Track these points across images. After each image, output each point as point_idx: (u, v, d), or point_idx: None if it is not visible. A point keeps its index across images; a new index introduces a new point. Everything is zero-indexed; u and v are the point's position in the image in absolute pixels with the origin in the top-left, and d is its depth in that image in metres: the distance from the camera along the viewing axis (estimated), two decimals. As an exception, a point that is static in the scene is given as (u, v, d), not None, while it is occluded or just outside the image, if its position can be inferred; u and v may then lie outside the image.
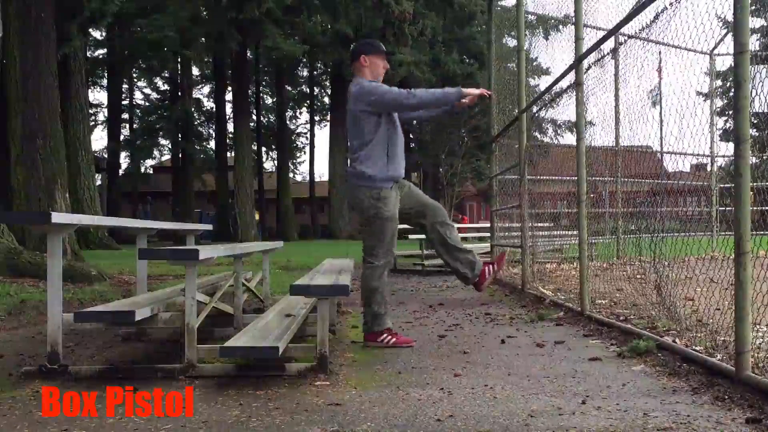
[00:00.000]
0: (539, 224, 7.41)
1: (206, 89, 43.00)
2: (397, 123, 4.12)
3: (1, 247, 7.45)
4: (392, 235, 4.07)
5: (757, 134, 6.28)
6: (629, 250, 5.42)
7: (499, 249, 8.72)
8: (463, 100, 4.14)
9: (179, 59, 29.25)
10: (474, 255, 4.26)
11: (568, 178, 6.96)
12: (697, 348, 3.27)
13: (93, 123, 36.38)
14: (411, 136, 31.88)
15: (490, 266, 4.27)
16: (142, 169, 41.64)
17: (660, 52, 5.51)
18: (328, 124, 36.57)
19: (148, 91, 40.54)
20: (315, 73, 40.29)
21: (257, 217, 31.45)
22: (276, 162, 38.12)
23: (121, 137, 34.93)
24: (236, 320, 4.18)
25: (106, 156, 33.62)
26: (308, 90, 42.24)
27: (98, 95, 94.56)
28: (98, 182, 26.03)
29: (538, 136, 8.38)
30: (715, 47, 9.59)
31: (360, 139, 4.01)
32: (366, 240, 4.08)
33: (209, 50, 23.96)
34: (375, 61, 4.15)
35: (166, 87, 38.59)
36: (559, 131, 13.72)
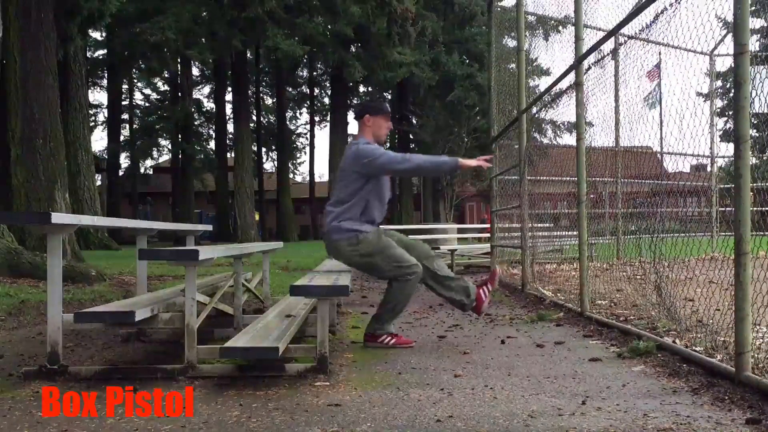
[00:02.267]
0: (539, 225, 7.41)
1: (206, 90, 43.03)
2: (383, 181, 4.13)
3: (1, 247, 7.45)
4: (393, 248, 4.00)
5: (757, 135, 6.28)
6: (629, 250, 5.42)
7: (499, 249, 8.72)
8: (460, 170, 4.14)
9: (179, 60, 29.27)
10: (465, 280, 4.22)
11: (568, 178, 6.96)
12: (697, 349, 3.27)
13: (93, 123, 36.41)
14: (411, 136, 31.92)
15: (485, 288, 4.22)
16: (142, 170, 41.66)
17: (660, 53, 5.51)
18: (328, 124, 36.58)
19: (147, 91, 40.57)
20: (315, 74, 40.30)
21: (257, 217, 31.44)
22: (276, 162, 38.13)
23: (121, 138, 34.93)
24: (236, 321, 4.18)
25: (106, 156, 33.65)
26: (308, 91, 42.25)
27: (98, 95, 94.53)
28: (98, 182, 26.04)
29: (538, 137, 8.37)
30: (715, 48, 9.60)
31: (341, 195, 4.06)
32: (383, 274, 4.04)
33: (210, 51, 23.94)
34: (378, 122, 4.18)
35: (166, 87, 38.60)
36: (558, 132, 13.71)
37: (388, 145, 37.55)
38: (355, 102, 33.21)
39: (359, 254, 4.00)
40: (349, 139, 4.25)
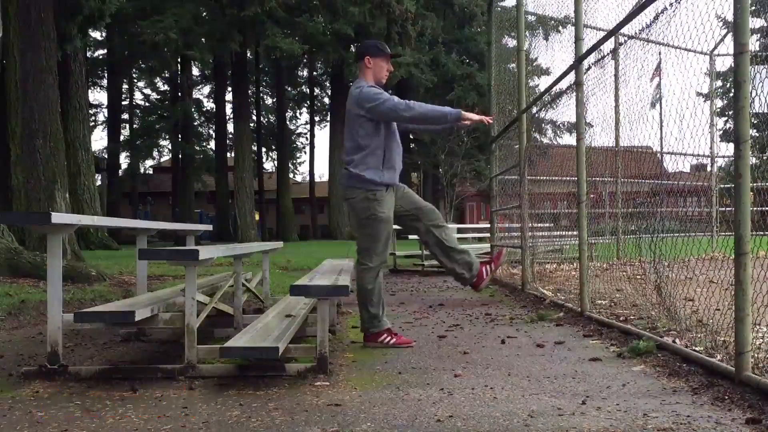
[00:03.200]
0: (539, 225, 7.41)
1: (206, 90, 43.05)
2: (394, 131, 4.10)
3: (1, 247, 7.45)
4: (387, 237, 4.06)
5: (757, 135, 6.28)
6: (629, 250, 5.42)
7: (498, 249, 8.72)
8: (462, 122, 4.12)
9: (179, 60, 29.26)
10: (470, 255, 4.24)
11: (568, 178, 6.96)
12: (697, 348, 3.27)
13: (93, 123, 36.41)
14: (411, 136, 31.89)
15: (488, 266, 4.24)
16: (142, 170, 41.67)
17: (660, 53, 5.51)
18: (328, 124, 36.59)
19: (148, 91, 40.60)
20: (315, 73, 40.32)
21: (257, 217, 31.44)
22: (276, 162, 38.14)
23: (121, 137, 34.93)
24: (236, 321, 4.18)
25: (106, 156, 33.65)
26: (308, 90, 42.26)
27: (98, 95, 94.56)
28: (98, 182, 26.03)
29: (538, 137, 8.36)
30: (715, 48, 9.59)
31: (355, 143, 4.00)
32: (361, 241, 4.06)
33: (210, 51, 23.95)
34: (379, 63, 4.14)
35: (166, 87, 38.62)
36: (558, 132, 13.71)
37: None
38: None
39: (367, 210, 3.94)
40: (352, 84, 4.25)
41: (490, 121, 4.20)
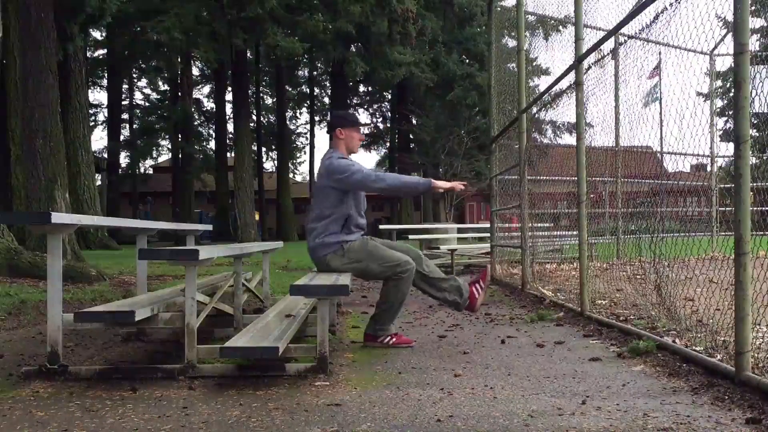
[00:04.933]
0: (539, 224, 7.41)
1: (206, 89, 43.06)
2: (360, 195, 4.17)
3: (1, 247, 7.45)
4: (387, 251, 4.02)
5: (757, 134, 6.28)
6: (629, 250, 5.42)
7: (499, 249, 8.72)
8: (434, 191, 4.12)
9: (179, 59, 29.28)
10: (456, 280, 4.22)
11: (568, 178, 6.96)
12: (697, 348, 3.27)
13: (93, 123, 36.41)
14: (411, 136, 31.91)
15: (477, 285, 4.22)
16: (142, 170, 41.70)
17: (660, 53, 5.51)
18: (328, 124, 36.47)
19: (148, 91, 40.62)
20: (315, 73, 40.33)
21: (257, 217, 31.44)
22: (276, 162, 38.14)
23: (121, 137, 34.94)
24: (236, 320, 4.18)
25: (106, 156, 33.65)
26: (308, 90, 42.27)
27: (98, 95, 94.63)
28: (98, 182, 26.04)
29: (538, 137, 8.36)
30: (715, 47, 9.60)
31: (320, 211, 4.07)
32: (378, 275, 4.03)
33: (212, 51, 23.96)
34: (351, 134, 4.20)
35: (166, 87, 38.63)
36: (558, 132, 13.71)
37: (388, 144, 37.64)
38: (351, 109, 33.19)
39: (349, 262, 4.01)
40: (323, 154, 4.29)
41: (462, 187, 4.20)
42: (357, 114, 4.39)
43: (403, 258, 3.99)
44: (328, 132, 4.30)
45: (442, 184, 4.11)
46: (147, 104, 39.88)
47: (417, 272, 4.08)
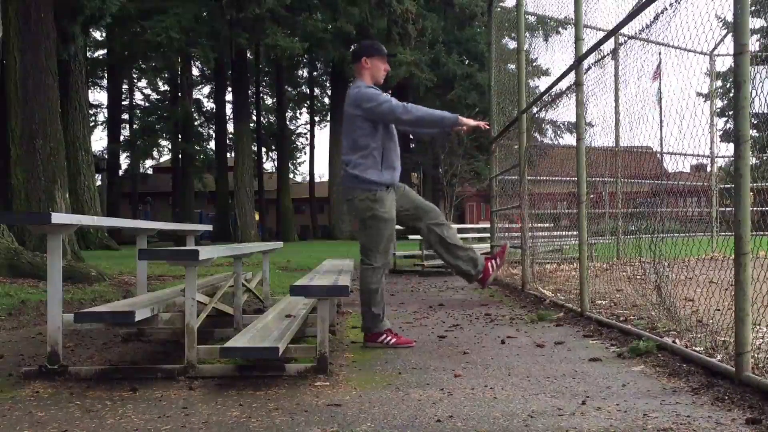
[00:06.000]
0: (539, 225, 7.41)
1: (206, 90, 43.06)
2: (392, 132, 4.09)
3: (1, 247, 7.45)
4: (389, 237, 4.04)
5: (757, 135, 6.28)
6: (629, 250, 5.42)
7: (503, 244, 8.71)
8: (459, 128, 4.10)
9: (179, 59, 29.27)
10: (474, 251, 4.22)
11: (568, 178, 6.96)
12: (697, 348, 3.27)
13: (93, 123, 36.41)
14: (411, 136, 31.88)
15: (493, 261, 4.22)
16: (142, 170, 41.69)
17: (660, 53, 5.51)
18: (328, 124, 36.59)
19: (148, 91, 40.62)
20: (315, 73, 40.34)
21: (257, 217, 31.45)
22: (276, 162, 38.14)
23: (121, 138, 34.94)
24: (236, 321, 4.18)
25: (106, 156, 33.65)
26: (308, 91, 42.28)
27: (98, 95, 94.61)
28: (98, 182, 26.04)
29: (538, 137, 8.36)
30: (715, 48, 9.59)
31: (352, 142, 3.99)
32: (363, 241, 4.04)
33: (211, 50, 23.97)
34: (376, 63, 4.12)
35: (166, 87, 38.63)
36: (558, 132, 13.71)
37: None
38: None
39: (369, 210, 3.93)
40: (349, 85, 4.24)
41: (487, 126, 4.17)
42: (381, 44, 4.32)
43: (381, 260, 3.98)
44: (353, 62, 4.20)
45: (469, 122, 4.05)
46: (147, 104, 39.89)
47: (436, 235, 4.07)
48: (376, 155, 3.95)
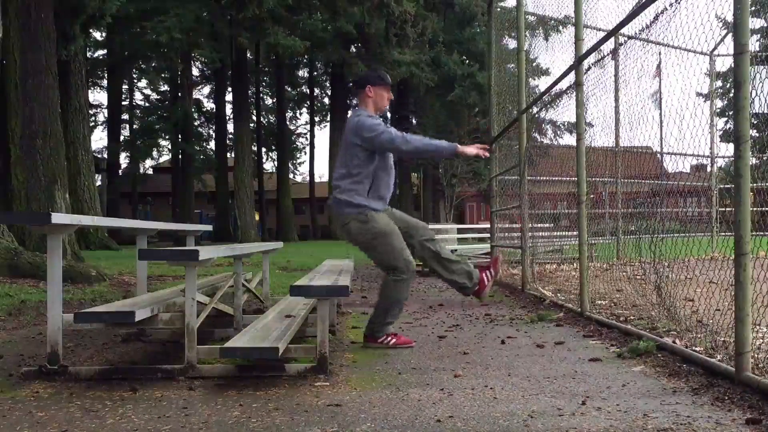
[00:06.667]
0: (539, 225, 7.41)
1: (206, 90, 43.08)
2: (389, 162, 4.10)
3: (1, 247, 7.45)
4: (400, 244, 3.97)
5: (757, 135, 6.27)
6: (629, 250, 5.42)
7: (499, 250, 8.72)
8: (459, 156, 4.09)
9: (179, 59, 29.28)
10: (468, 264, 4.22)
11: (568, 178, 6.97)
12: (697, 349, 3.27)
13: (93, 123, 36.41)
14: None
15: (487, 272, 4.22)
16: (142, 170, 41.69)
17: (660, 53, 5.51)
18: (328, 124, 36.60)
19: (148, 91, 40.64)
20: (315, 74, 40.35)
21: (257, 217, 31.45)
22: (276, 163, 38.16)
23: (121, 138, 34.95)
24: (236, 321, 4.18)
25: (105, 156, 33.65)
26: (308, 91, 42.29)
27: (98, 95, 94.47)
28: (98, 182, 26.04)
29: (538, 137, 8.36)
30: (715, 48, 9.60)
31: (346, 169, 3.99)
32: (379, 260, 3.99)
33: (211, 50, 23.96)
34: (380, 93, 4.13)
35: (166, 87, 38.64)
36: (558, 132, 13.71)
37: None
38: (351, 109, 33.14)
39: (365, 233, 3.93)
40: (349, 113, 4.29)
41: (487, 155, 4.16)
42: (386, 73, 4.32)
43: (410, 261, 3.96)
44: (356, 89, 4.20)
45: (468, 150, 4.05)
46: (147, 104, 39.91)
47: (430, 251, 4.05)
48: (366, 183, 3.96)
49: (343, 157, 4.05)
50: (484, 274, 4.17)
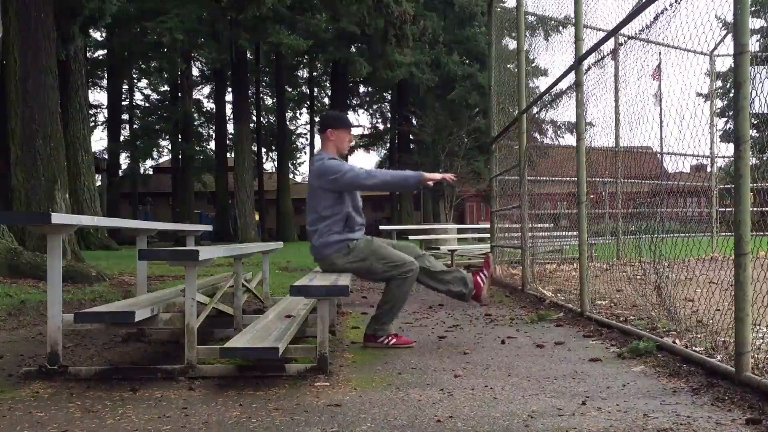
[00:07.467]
0: (539, 225, 7.41)
1: (206, 90, 43.05)
2: (357, 196, 4.19)
3: (1, 247, 7.44)
4: (391, 249, 4.06)
5: (757, 135, 6.28)
6: (629, 251, 5.42)
7: (499, 250, 8.72)
8: (425, 183, 4.10)
9: (180, 60, 29.26)
10: (459, 270, 4.24)
11: (568, 178, 6.97)
12: (697, 349, 3.27)
13: (93, 123, 36.41)
14: (411, 137, 31.90)
15: (481, 274, 4.23)
16: (142, 170, 41.65)
17: (660, 53, 5.51)
18: (328, 124, 36.41)
19: (148, 91, 40.62)
20: (315, 74, 40.34)
21: (257, 217, 31.44)
22: (276, 163, 38.12)
23: (121, 138, 34.93)
24: (236, 321, 4.18)
25: (106, 156, 33.64)
26: (308, 91, 42.27)
27: (98, 96, 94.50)
28: (98, 183, 26.04)
29: (538, 137, 8.37)
30: (715, 48, 9.60)
31: (317, 214, 4.08)
32: (380, 271, 4.03)
33: (212, 50, 23.97)
34: (341, 135, 4.22)
35: (166, 87, 38.62)
36: (558, 132, 13.71)
37: (388, 144, 37.67)
38: (350, 110, 33.16)
39: (354, 260, 4.03)
40: (314, 154, 4.34)
41: (453, 179, 4.20)
42: (347, 115, 4.39)
43: (408, 258, 4.02)
44: (319, 133, 4.32)
45: (434, 176, 4.11)
46: (147, 105, 39.87)
47: (420, 269, 4.09)
48: (340, 222, 4.05)
49: (311, 201, 4.14)
50: (477, 277, 4.18)
